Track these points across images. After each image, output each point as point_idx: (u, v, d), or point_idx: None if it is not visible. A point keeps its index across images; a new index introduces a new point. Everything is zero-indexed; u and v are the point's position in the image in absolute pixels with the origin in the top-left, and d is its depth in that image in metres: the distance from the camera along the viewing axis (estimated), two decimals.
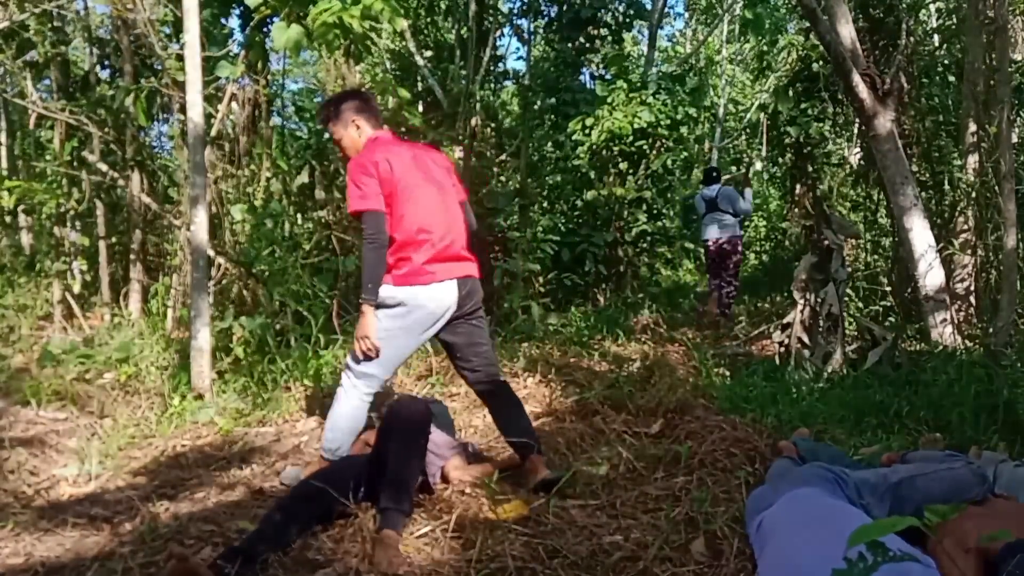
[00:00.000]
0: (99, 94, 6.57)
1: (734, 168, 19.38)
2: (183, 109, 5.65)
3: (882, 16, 7.83)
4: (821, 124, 10.53)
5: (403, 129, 6.95)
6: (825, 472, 2.46)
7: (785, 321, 5.37)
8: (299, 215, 6.72)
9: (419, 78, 10.57)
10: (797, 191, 11.13)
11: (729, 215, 7.73)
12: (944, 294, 5.48)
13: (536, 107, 10.47)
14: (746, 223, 11.06)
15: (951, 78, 8.26)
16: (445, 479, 3.01)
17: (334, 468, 2.80)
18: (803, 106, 10.41)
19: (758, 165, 15.12)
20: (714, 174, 8.20)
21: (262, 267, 5.68)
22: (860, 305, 7.28)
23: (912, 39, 7.69)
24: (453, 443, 3.17)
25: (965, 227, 6.61)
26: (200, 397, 4.39)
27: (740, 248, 7.97)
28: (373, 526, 2.43)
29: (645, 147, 9.30)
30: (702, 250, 8.66)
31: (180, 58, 5.54)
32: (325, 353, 4.88)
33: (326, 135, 6.80)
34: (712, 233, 7.84)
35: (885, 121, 5.50)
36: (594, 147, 9.42)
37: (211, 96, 6.01)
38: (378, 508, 2.48)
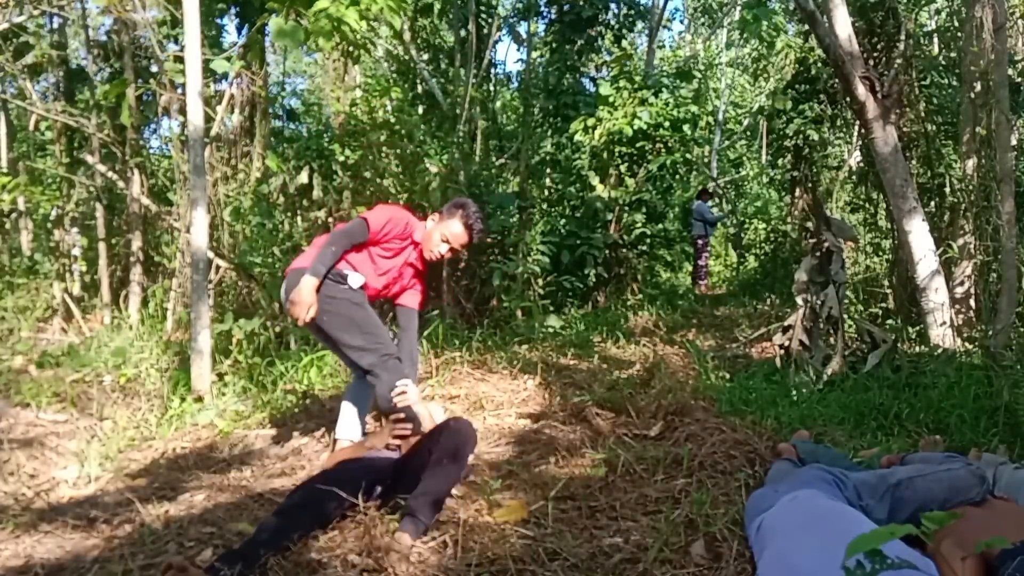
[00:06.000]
0: (98, 96, 6.58)
1: (733, 170, 19.45)
2: (182, 110, 5.65)
3: (881, 19, 7.84)
4: (820, 126, 10.54)
5: (401, 131, 6.97)
6: (825, 474, 2.46)
7: (786, 323, 5.38)
8: (298, 216, 6.73)
9: (418, 80, 10.58)
10: (797, 193, 11.16)
11: (700, 222, 11.32)
12: (944, 296, 5.49)
13: (536, 109, 10.46)
14: (742, 225, 14.46)
15: (951, 80, 8.26)
16: None
17: (341, 470, 2.80)
18: (801, 108, 10.42)
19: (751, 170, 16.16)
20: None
21: (261, 269, 5.68)
22: (860, 307, 7.28)
23: (911, 41, 7.70)
24: None
25: (964, 230, 6.62)
26: (200, 399, 4.39)
27: (707, 241, 11.79)
28: (381, 529, 2.43)
29: (646, 148, 9.30)
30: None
31: (179, 60, 5.55)
32: (324, 354, 4.88)
33: (325, 136, 6.82)
34: (693, 232, 11.50)
35: (885, 124, 5.51)
36: (595, 148, 9.42)
37: (210, 97, 6.02)
38: (402, 512, 2.50)
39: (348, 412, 3.50)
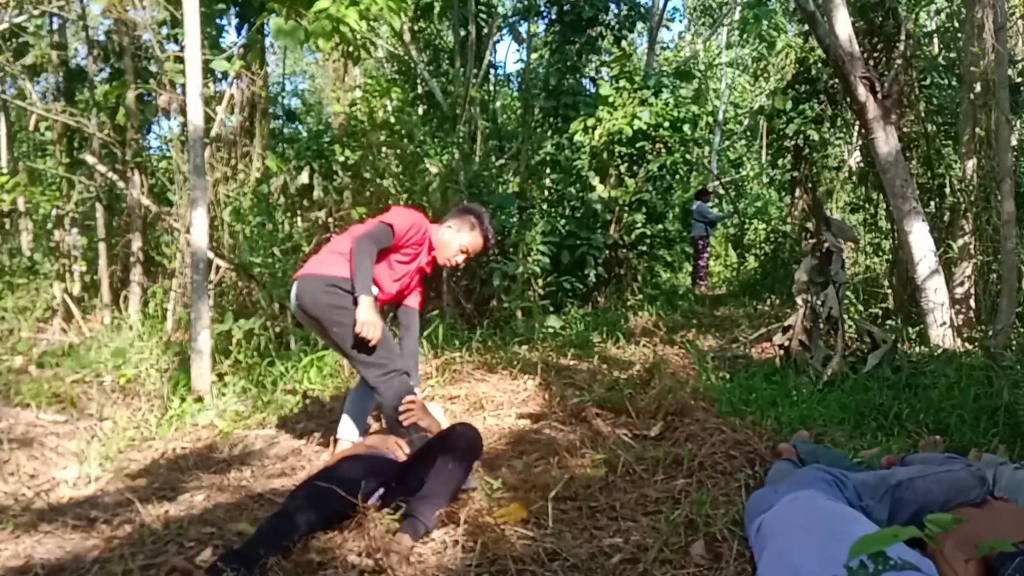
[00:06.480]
0: (98, 96, 6.58)
1: (733, 171, 19.46)
2: (182, 111, 5.65)
3: (881, 19, 7.84)
4: (820, 126, 10.54)
5: (401, 131, 6.97)
6: (825, 474, 2.46)
7: (786, 324, 5.38)
8: (298, 216, 6.73)
9: (419, 80, 10.59)
10: (797, 194, 11.16)
11: (701, 223, 11.51)
12: (944, 296, 5.49)
13: (536, 109, 10.46)
14: (743, 225, 14.50)
15: (951, 80, 8.26)
16: None
17: (342, 469, 2.80)
18: (801, 108, 10.42)
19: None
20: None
21: (261, 270, 5.68)
22: (860, 307, 7.28)
23: (911, 42, 7.70)
24: None
25: (964, 230, 6.62)
26: (200, 399, 4.39)
27: (708, 242, 12.02)
28: (381, 530, 2.43)
29: (646, 148, 9.29)
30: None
31: (179, 60, 5.55)
32: (325, 354, 4.88)
33: (325, 136, 6.82)
34: (694, 232, 11.62)
35: (885, 124, 5.51)
36: (595, 149, 9.42)
37: (210, 98, 6.02)
38: (404, 513, 2.50)
39: (351, 413, 3.50)
